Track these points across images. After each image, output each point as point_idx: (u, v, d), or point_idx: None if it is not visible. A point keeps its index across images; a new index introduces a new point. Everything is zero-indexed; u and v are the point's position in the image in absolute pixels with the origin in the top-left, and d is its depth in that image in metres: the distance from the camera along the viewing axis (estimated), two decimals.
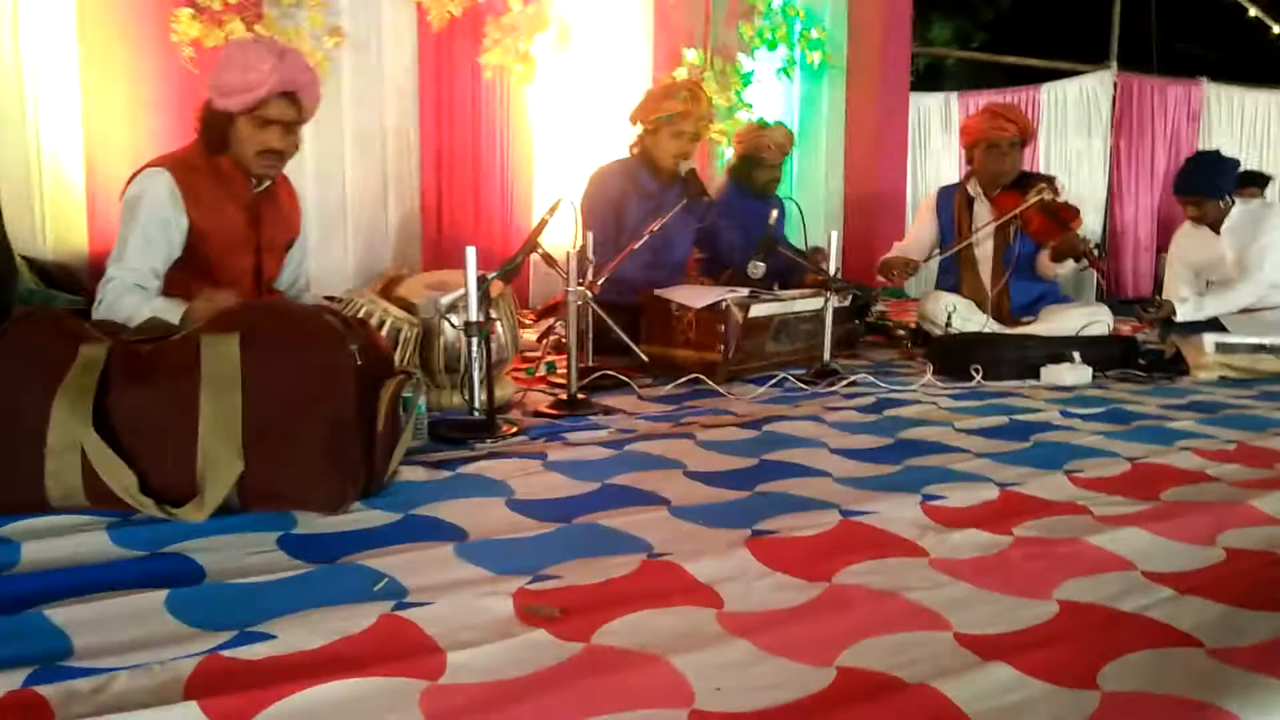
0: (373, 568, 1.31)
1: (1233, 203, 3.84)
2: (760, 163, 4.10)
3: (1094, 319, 3.48)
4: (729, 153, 5.43)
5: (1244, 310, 3.74)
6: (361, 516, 1.55)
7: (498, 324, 2.38)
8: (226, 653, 1.04)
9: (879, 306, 4.44)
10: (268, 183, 2.39)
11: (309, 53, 4.05)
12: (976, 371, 3.02)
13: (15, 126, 3.57)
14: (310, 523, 1.51)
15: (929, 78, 9.49)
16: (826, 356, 2.99)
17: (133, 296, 2.18)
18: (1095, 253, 3.52)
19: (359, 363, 1.63)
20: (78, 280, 3.45)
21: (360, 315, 2.20)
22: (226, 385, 1.52)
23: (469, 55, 4.62)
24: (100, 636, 1.09)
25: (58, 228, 3.69)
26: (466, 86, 4.65)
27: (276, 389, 1.54)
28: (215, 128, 2.28)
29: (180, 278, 2.28)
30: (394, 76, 4.50)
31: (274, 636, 1.08)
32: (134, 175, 2.28)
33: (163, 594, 1.19)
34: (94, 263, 3.66)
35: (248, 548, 1.39)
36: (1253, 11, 7.23)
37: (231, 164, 2.31)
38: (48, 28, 3.63)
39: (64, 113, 3.69)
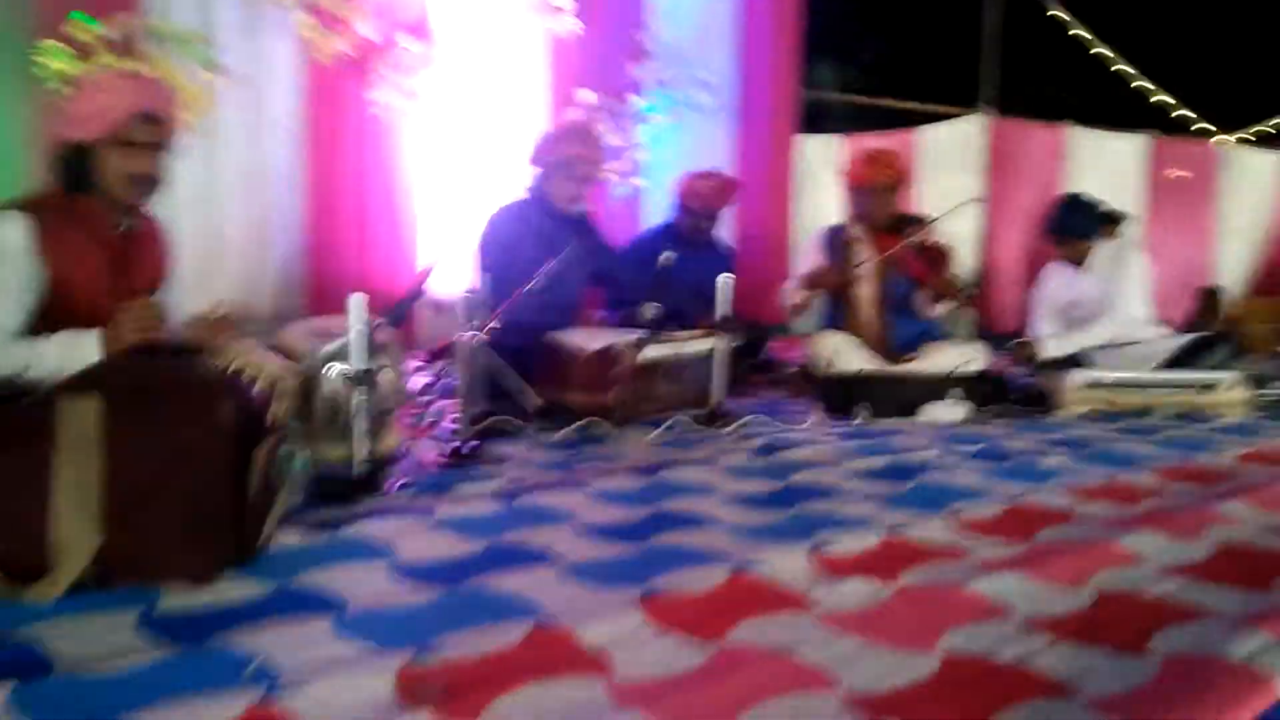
0: (243, 650, 1.23)
1: (1095, 242, 4.07)
2: (684, 209, 4.22)
3: (969, 356, 3.61)
4: (625, 191, 5.47)
5: (1110, 345, 3.94)
6: (232, 589, 1.46)
7: (383, 372, 2.31)
8: None
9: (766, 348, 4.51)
10: (128, 222, 2.24)
11: (185, 87, 3.91)
12: (862, 410, 3.09)
13: None
14: (176, 598, 1.42)
15: (815, 118, 9.77)
16: (718, 398, 3.01)
17: (20, 346, 1.98)
18: (968, 292, 3.67)
19: (230, 422, 1.55)
20: None
21: (234, 367, 2.10)
22: (85, 449, 1.43)
23: (356, 92, 4.53)
24: None
25: None
26: (352, 124, 4.55)
27: (139, 453, 1.45)
28: (74, 163, 2.13)
29: (33, 330, 2.13)
30: (276, 112, 4.37)
31: None
32: None
33: (7, 688, 1.09)
34: None
35: (105, 630, 1.29)
36: (1115, 66, 7.70)
37: (91, 203, 2.16)
38: None
39: None
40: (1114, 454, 2.66)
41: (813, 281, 3.85)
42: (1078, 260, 4.09)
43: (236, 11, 4.20)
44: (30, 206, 2.10)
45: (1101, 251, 4.07)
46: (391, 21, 4.54)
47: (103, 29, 3.76)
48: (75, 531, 1.39)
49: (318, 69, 4.40)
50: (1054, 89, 10.94)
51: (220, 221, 4.17)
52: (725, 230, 5.92)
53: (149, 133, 2.16)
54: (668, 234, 4.27)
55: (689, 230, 4.20)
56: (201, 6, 4.09)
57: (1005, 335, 5.90)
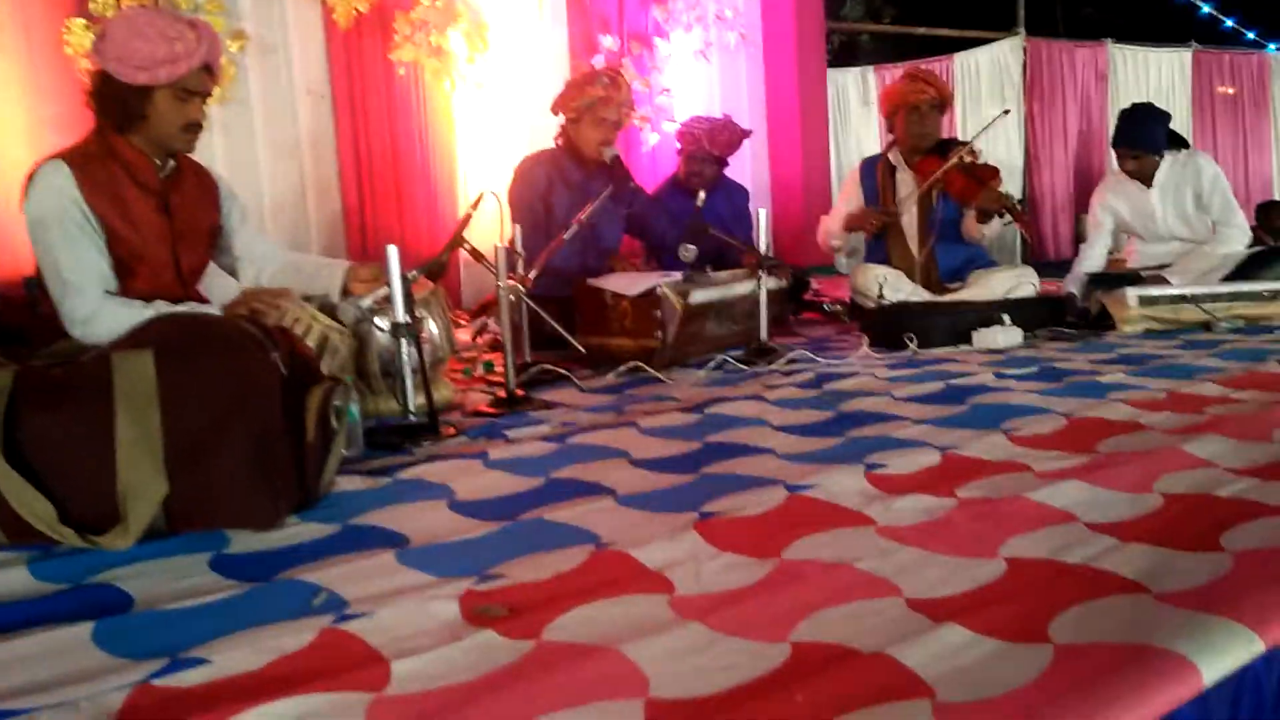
0: (311, 582, 1.26)
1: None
2: (682, 154, 4.13)
3: (1021, 280, 3.54)
4: (653, 140, 5.42)
5: (1183, 256, 3.82)
6: (297, 531, 1.49)
7: (428, 323, 2.33)
8: (158, 682, 0.99)
9: (814, 285, 4.47)
10: (172, 164, 2.25)
11: None
12: (910, 340, 3.05)
13: None
14: (243, 541, 1.45)
15: (845, 54, 9.58)
16: (763, 336, 2.99)
17: (127, 308, 2.05)
18: (1019, 207, 3.57)
19: (283, 371, 1.57)
20: None
21: (286, 323, 2.12)
22: (143, 403, 1.45)
23: (380, 53, 4.52)
24: (21, 676, 1.03)
25: None
26: (380, 85, 4.55)
27: (197, 404, 1.47)
28: (127, 104, 2.11)
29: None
30: (304, 79, 4.38)
31: (209, 661, 1.03)
32: (28, 177, 2.09)
33: (88, 626, 1.13)
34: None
35: (178, 571, 1.33)
36: None
37: (133, 148, 2.16)
38: None
39: None
40: (1175, 367, 2.60)
41: (851, 225, 3.79)
42: (1146, 175, 3.92)
43: None
44: (73, 156, 2.11)
45: (1166, 166, 3.89)
46: None
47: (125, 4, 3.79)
48: (141, 481, 1.42)
49: (340, 33, 4.40)
50: (1092, 8, 10.60)
51: (259, 190, 4.20)
52: (754, 171, 5.85)
53: (205, 82, 2.17)
54: (674, 181, 4.24)
55: (687, 175, 4.14)
56: None
57: (1054, 263, 5.79)
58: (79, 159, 2.10)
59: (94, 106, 2.14)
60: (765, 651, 1.05)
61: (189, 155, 2.30)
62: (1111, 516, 1.42)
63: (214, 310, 2.16)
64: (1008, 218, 3.58)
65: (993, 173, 3.59)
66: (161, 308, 2.07)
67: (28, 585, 1.31)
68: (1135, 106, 4.10)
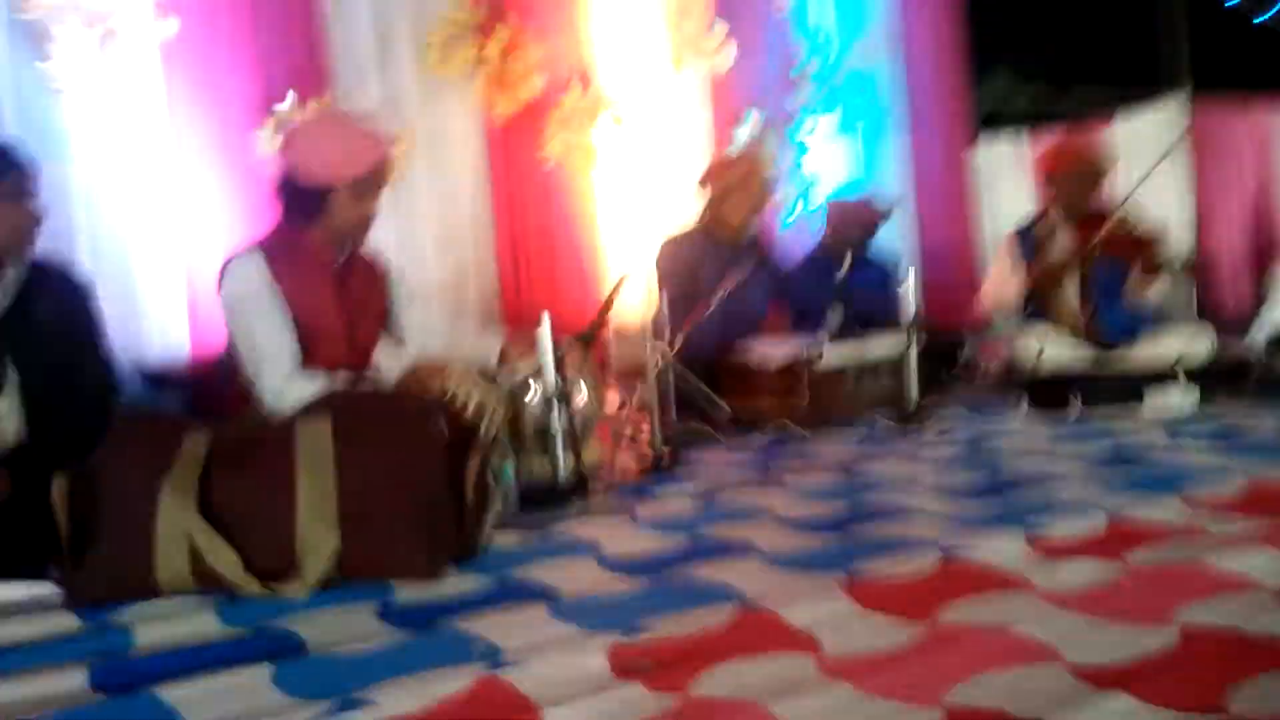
0: (469, 631, 1.32)
1: None
2: (826, 233, 4.21)
3: (1193, 340, 3.33)
4: (796, 213, 5.46)
5: None
6: (456, 583, 1.57)
7: (579, 389, 2.41)
8: None
9: (967, 350, 4.34)
10: (348, 252, 2.43)
11: None
12: (1074, 401, 2.92)
13: (111, 238, 3.77)
14: (407, 592, 1.53)
15: (995, 119, 9.38)
16: (913, 397, 2.93)
17: (312, 381, 2.19)
18: (1184, 265, 3.40)
19: (442, 439, 1.67)
20: (178, 383, 3.60)
21: (448, 394, 2.24)
22: (321, 466, 1.58)
23: (531, 146, 4.77)
24: (210, 713, 1.12)
25: (160, 332, 3.87)
26: (532, 175, 4.80)
27: (368, 467, 1.59)
28: (309, 200, 2.31)
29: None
30: (465, 171, 4.68)
31: (374, 703, 1.09)
32: (222, 268, 2.35)
33: (268, 668, 1.22)
34: (195, 366, 3.83)
35: (348, 619, 1.42)
36: None
37: (314, 240, 2.36)
38: (138, 138, 3.88)
39: (160, 220, 3.90)
40: None
41: (1029, 285, 3.68)
42: None
43: (418, 83, 4.54)
44: (263, 247, 2.34)
45: None
46: (557, 77, 4.77)
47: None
48: (317, 536, 1.53)
49: (496, 129, 4.68)
50: (1261, 63, 10.00)
51: (425, 271, 4.47)
52: (902, 237, 5.78)
53: (378, 180, 2.37)
54: (816, 252, 4.28)
55: (829, 249, 4.17)
56: (386, 81, 4.45)
57: (1231, 322, 5.40)
58: (267, 249, 2.33)
59: (279, 203, 2.38)
60: (917, 715, 1.02)
61: (363, 250, 2.51)
62: None
63: (386, 382, 2.31)
64: (1172, 277, 3.43)
65: (1151, 233, 3.46)
66: (341, 381, 2.24)
67: (214, 630, 1.43)
68: None
